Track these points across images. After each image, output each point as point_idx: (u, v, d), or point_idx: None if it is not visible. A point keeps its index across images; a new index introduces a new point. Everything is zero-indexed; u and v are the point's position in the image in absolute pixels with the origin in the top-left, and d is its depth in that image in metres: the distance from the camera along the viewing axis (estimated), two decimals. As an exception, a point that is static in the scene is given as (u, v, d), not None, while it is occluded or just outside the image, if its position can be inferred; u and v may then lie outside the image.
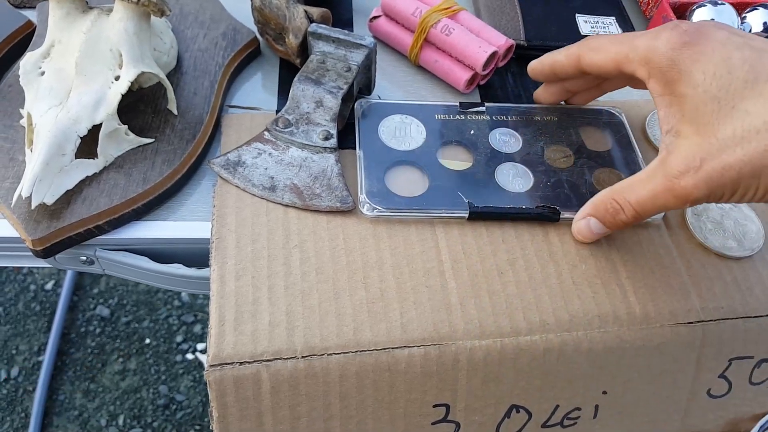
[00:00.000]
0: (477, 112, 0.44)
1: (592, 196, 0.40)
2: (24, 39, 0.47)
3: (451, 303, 0.38)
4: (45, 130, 0.37)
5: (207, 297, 0.39)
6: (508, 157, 0.43)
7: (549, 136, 0.45)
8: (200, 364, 1.21)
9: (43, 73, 0.39)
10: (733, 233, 0.43)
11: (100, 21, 0.40)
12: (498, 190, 0.41)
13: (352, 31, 0.54)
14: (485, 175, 0.42)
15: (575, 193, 0.41)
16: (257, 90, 0.48)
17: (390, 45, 0.52)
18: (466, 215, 0.39)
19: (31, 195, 0.35)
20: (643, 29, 0.57)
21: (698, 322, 0.39)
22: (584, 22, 0.54)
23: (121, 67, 0.39)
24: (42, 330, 1.21)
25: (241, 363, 0.33)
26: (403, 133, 0.43)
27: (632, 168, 0.43)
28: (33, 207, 0.35)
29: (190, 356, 1.21)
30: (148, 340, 1.21)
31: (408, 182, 0.41)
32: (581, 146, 0.44)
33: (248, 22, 0.50)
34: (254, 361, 0.34)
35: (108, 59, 0.39)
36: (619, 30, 0.54)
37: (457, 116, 0.44)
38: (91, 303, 1.25)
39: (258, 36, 0.49)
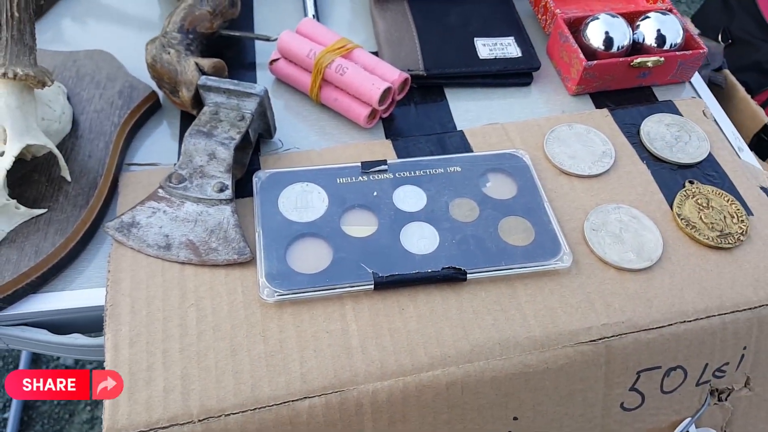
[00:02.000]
0: (380, 171, 0.45)
1: (498, 249, 0.41)
2: None
3: (352, 346, 0.38)
4: (-75, 214, 0.36)
5: None
6: (413, 217, 0.43)
7: (453, 189, 0.45)
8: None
9: (-77, 156, 0.39)
10: (631, 245, 0.43)
11: (-22, 97, 0.40)
12: (404, 255, 0.41)
13: (254, 74, 0.54)
14: (390, 240, 0.42)
15: (481, 248, 0.42)
16: (158, 144, 0.48)
17: (292, 85, 0.52)
18: (372, 286, 0.39)
19: None
20: (543, 46, 0.58)
21: (600, 339, 0.40)
22: (483, 46, 0.55)
23: (5, 142, 0.39)
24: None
25: (134, 434, 0.33)
26: (304, 202, 0.43)
27: (537, 214, 0.44)
28: None
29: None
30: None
31: (311, 256, 0.40)
32: (485, 196, 0.45)
33: (147, 77, 0.50)
34: (149, 430, 0.34)
35: (-13, 136, 0.39)
36: (518, 50, 0.55)
37: (360, 178, 0.45)
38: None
39: (157, 90, 0.50)
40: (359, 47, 0.50)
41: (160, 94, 0.50)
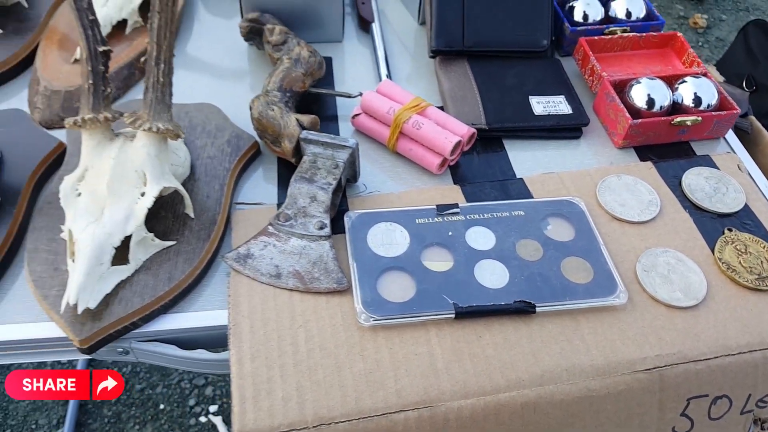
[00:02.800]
0: (453, 213, 0.52)
1: (562, 286, 0.47)
2: (57, 158, 0.54)
3: (438, 368, 0.44)
4: (85, 244, 0.44)
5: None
6: (485, 255, 0.49)
7: (518, 230, 0.51)
8: (213, 427, 1.24)
9: (79, 194, 0.46)
10: (679, 285, 0.49)
11: (125, 147, 0.47)
12: (479, 288, 0.47)
13: (337, 125, 0.62)
14: (466, 274, 0.48)
15: (547, 284, 0.48)
16: (260, 186, 0.56)
17: (370, 137, 0.60)
18: (453, 315, 0.45)
19: (77, 302, 0.42)
20: (589, 103, 0.65)
21: (654, 368, 0.45)
22: (537, 103, 0.62)
23: (145, 184, 0.47)
24: (60, 403, 1.24)
25: (262, 436, 0.39)
26: (389, 240, 0.50)
27: (595, 255, 0.50)
28: (79, 312, 0.42)
29: (203, 419, 1.24)
30: (162, 406, 1.24)
31: (398, 287, 0.47)
32: (547, 238, 0.51)
33: (248, 127, 0.58)
34: (272, 433, 0.40)
35: (134, 179, 0.46)
36: (569, 107, 0.62)
37: (436, 219, 0.51)
38: (180, 368, 1.29)
39: (258, 139, 0.57)
40: (431, 105, 0.58)
41: (260, 143, 0.58)
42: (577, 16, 0.69)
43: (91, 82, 0.46)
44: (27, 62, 0.64)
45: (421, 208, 0.52)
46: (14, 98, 0.63)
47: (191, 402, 1.25)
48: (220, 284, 0.48)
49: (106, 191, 0.46)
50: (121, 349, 0.45)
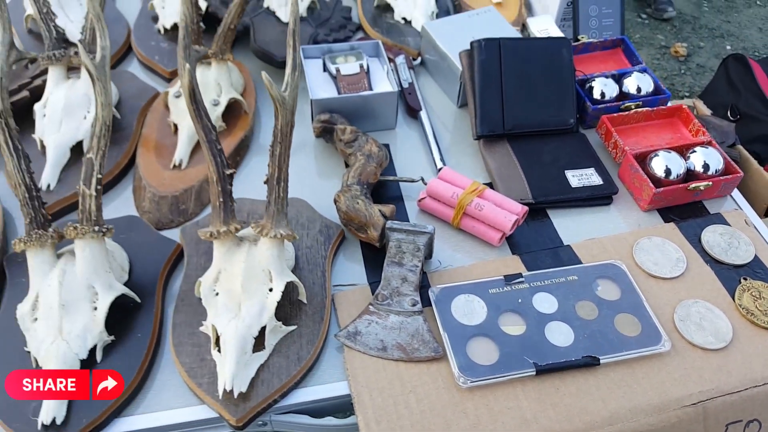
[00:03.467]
0: (519, 282, 0.62)
1: (618, 340, 0.57)
2: (177, 258, 0.64)
3: (527, 418, 0.53)
4: (230, 337, 0.53)
5: None
6: (551, 317, 0.60)
7: (575, 293, 0.62)
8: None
9: (217, 294, 0.56)
10: (710, 331, 0.60)
11: (252, 251, 0.57)
12: (551, 348, 0.57)
13: (403, 205, 0.72)
14: (539, 336, 0.58)
15: (606, 340, 0.58)
16: (348, 267, 0.66)
17: (435, 216, 0.70)
18: (534, 373, 0.55)
19: (232, 388, 0.51)
20: (613, 170, 0.76)
21: (698, 402, 0.55)
22: (572, 176, 0.73)
23: (271, 281, 0.56)
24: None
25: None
26: (469, 310, 0.60)
27: (640, 311, 0.60)
28: (235, 396, 0.51)
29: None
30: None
31: (484, 351, 0.57)
32: (600, 299, 0.61)
33: (330, 215, 0.68)
34: (405, 484, 0.49)
35: (262, 278, 0.56)
36: (600, 179, 0.73)
37: (505, 288, 0.62)
38: None
39: (343, 227, 0.67)
40: (487, 188, 0.68)
41: (345, 230, 0.68)
42: (596, 94, 0.81)
43: (221, 200, 0.56)
44: (126, 169, 0.74)
45: (491, 279, 0.63)
46: (118, 200, 0.72)
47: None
48: (334, 359, 0.58)
49: (241, 290, 0.55)
50: (261, 422, 0.55)
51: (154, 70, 0.85)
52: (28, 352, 0.54)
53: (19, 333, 0.55)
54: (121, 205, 0.71)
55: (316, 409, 0.56)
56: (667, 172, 0.70)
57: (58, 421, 0.50)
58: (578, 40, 0.89)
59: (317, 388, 0.56)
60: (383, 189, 0.74)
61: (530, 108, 0.76)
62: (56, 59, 0.71)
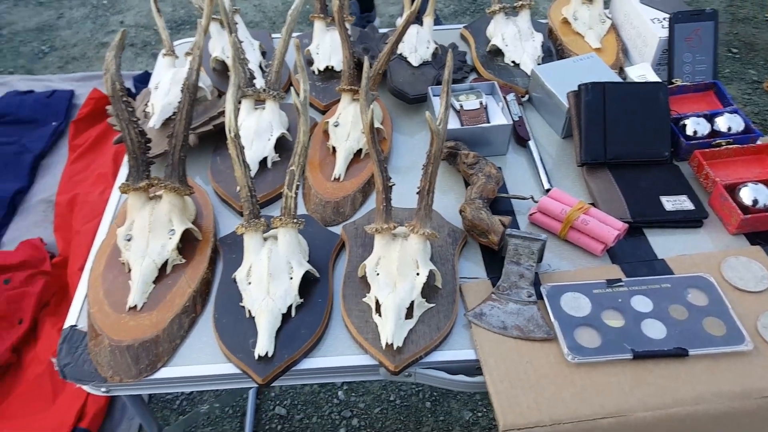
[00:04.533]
0: (619, 286, 0.75)
1: (706, 337, 0.68)
2: (339, 248, 0.82)
3: (626, 391, 0.66)
4: (389, 306, 0.70)
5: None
6: (646, 315, 0.72)
7: (668, 298, 0.73)
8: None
9: (378, 274, 0.73)
10: (789, 334, 0.69)
11: (404, 244, 0.74)
12: (647, 339, 0.69)
13: (515, 218, 0.87)
14: (635, 329, 0.70)
15: (694, 336, 0.69)
16: (471, 265, 0.81)
17: (543, 228, 0.84)
18: (631, 357, 0.68)
19: (393, 342, 0.67)
20: (705, 199, 0.87)
21: (778, 393, 0.65)
22: (666, 201, 0.85)
23: (418, 267, 0.73)
24: (236, 429, 1.51)
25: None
26: (576, 305, 0.73)
27: (726, 316, 0.71)
28: (395, 348, 0.68)
29: (352, 446, 1.47)
30: (317, 433, 1.48)
31: (589, 337, 0.70)
32: (690, 303, 0.73)
33: (455, 223, 0.84)
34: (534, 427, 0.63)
35: (412, 264, 0.73)
36: (692, 204, 0.84)
37: (607, 289, 0.75)
38: (270, 404, 1.55)
39: (467, 233, 0.83)
40: (591, 206, 0.82)
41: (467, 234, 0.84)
42: (689, 131, 0.92)
43: (384, 205, 0.74)
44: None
45: (595, 282, 0.76)
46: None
47: (342, 431, 1.48)
48: (463, 332, 0.73)
49: (396, 272, 0.72)
50: (407, 374, 0.70)
51: (311, 104, 1.06)
52: (242, 306, 0.74)
53: (234, 293, 0.75)
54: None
55: (449, 369, 0.71)
56: (755, 201, 0.81)
57: (269, 355, 0.69)
58: (672, 83, 1.01)
59: (449, 352, 0.71)
60: (498, 204, 0.89)
61: (629, 141, 0.89)
62: (249, 94, 0.93)
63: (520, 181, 0.93)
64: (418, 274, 0.73)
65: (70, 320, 0.77)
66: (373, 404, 1.48)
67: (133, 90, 2.18)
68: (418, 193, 0.74)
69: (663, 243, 0.82)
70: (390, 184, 0.75)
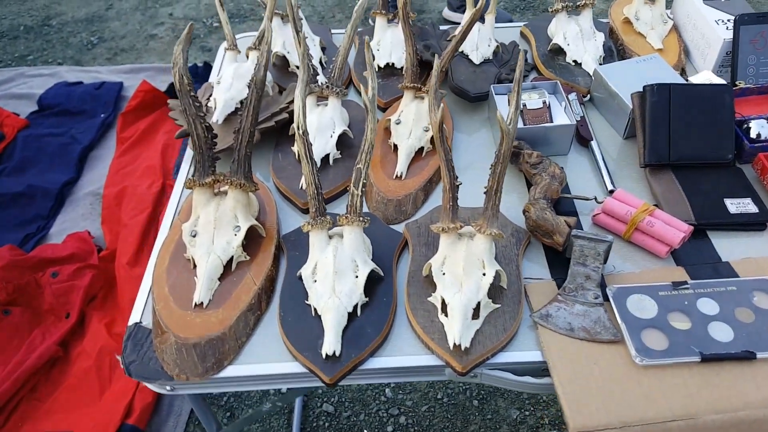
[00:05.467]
0: (685, 288, 0.74)
1: None
2: (402, 248, 0.84)
3: (692, 393, 0.66)
4: (456, 306, 0.71)
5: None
6: (713, 318, 0.72)
7: (734, 301, 0.73)
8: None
9: (444, 274, 0.74)
10: None
11: (470, 244, 0.75)
12: (713, 342, 0.69)
13: (578, 218, 0.87)
14: (702, 332, 0.70)
15: (761, 339, 0.69)
16: (534, 266, 0.82)
17: (607, 229, 0.84)
18: (699, 359, 0.68)
19: (460, 343, 0.69)
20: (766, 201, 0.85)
21: None
22: (731, 204, 0.84)
23: (484, 267, 0.74)
24: (283, 426, 1.53)
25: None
26: (641, 306, 0.73)
27: None
28: (462, 349, 0.69)
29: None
30: (366, 431, 1.50)
31: (655, 339, 0.70)
32: (756, 306, 0.72)
33: (518, 223, 0.84)
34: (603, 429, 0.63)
35: (478, 265, 0.74)
36: (756, 207, 0.83)
37: (673, 292, 0.74)
38: (317, 402, 1.57)
39: (530, 233, 0.83)
40: (656, 208, 0.81)
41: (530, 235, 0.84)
42: (753, 134, 0.91)
43: (450, 204, 0.75)
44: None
45: (660, 284, 0.76)
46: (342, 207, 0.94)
47: (389, 429, 1.50)
48: (528, 333, 0.74)
49: (462, 272, 0.73)
50: (473, 374, 0.72)
51: (370, 101, 1.08)
52: (308, 305, 0.76)
53: (298, 291, 0.77)
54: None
55: (514, 370, 0.72)
56: (826, 206, 0.79)
57: (337, 354, 0.70)
58: (736, 85, 0.99)
59: (516, 353, 0.72)
60: (561, 204, 0.89)
61: (693, 143, 0.88)
62: (313, 91, 0.95)
63: (582, 182, 0.93)
64: (484, 274, 0.74)
65: (135, 317, 0.79)
66: (420, 402, 1.50)
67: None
68: (485, 192, 0.75)
69: (727, 245, 0.82)
70: (457, 184, 0.76)
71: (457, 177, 0.76)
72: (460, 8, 2.55)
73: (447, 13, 2.63)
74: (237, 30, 2.42)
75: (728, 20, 1.03)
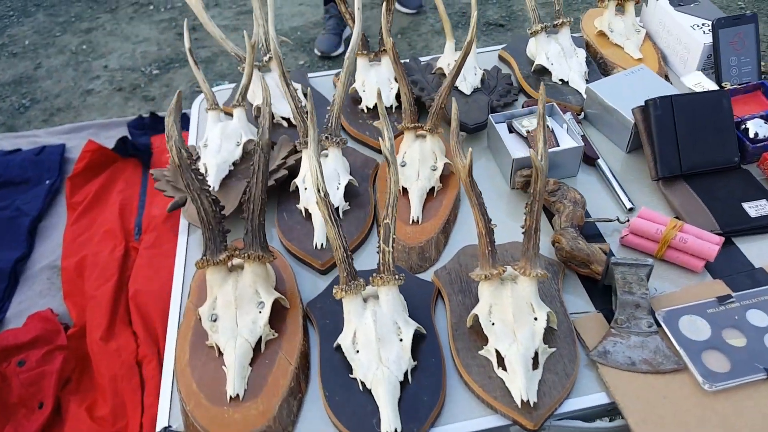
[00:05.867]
0: (730, 302, 0.73)
1: None
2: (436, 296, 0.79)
3: (765, 413, 0.64)
4: (515, 358, 0.66)
5: None
6: (766, 330, 0.70)
7: None
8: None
9: (493, 324, 0.70)
10: None
11: (515, 287, 0.71)
12: None
13: (604, 241, 0.85)
14: (760, 347, 0.69)
15: None
16: (573, 298, 0.79)
17: (637, 249, 0.83)
18: (765, 376, 0.66)
19: (528, 398, 0.64)
20: (783, 201, 0.87)
21: None
22: (749, 207, 0.84)
23: (534, 311, 0.70)
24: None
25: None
26: (694, 328, 0.71)
27: None
28: (531, 405, 0.64)
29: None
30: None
31: (716, 361, 0.68)
32: None
33: (546, 254, 0.81)
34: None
35: (527, 309, 0.70)
36: (775, 208, 0.84)
37: (720, 307, 0.73)
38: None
39: (563, 264, 0.81)
40: (685, 223, 0.80)
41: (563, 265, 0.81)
42: (751, 134, 0.92)
43: (489, 249, 0.71)
44: (372, 228, 0.90)
45: (706, 301, 0.74)
46: (364, 254, 0.88)
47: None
48: (588, 373, 0.70)
49: (513, 319, 0.69)
50: (542, 429, 0.67)
51: (365, 143, 1.03)
52: (353, 378, 0.69)
53: (339, 363, 0.71)
54: (368, 258, 0.87)
55: (582, 416, 0.68)
56: (840, 199, 0.81)
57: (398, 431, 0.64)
58: (722, 87, 1.01)
59: (582, 398, 0.68)
60: (582, 228, 0.87)
61: (701, 150, 0.89)
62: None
63: (596, 202, 0.91)
64: (536, 318, 0.70)
65: (162, 420, 0.70)
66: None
67: (129, 137, 2.09)
68: (523, 233, 0.71)
69: (755, 250, 0.82)
70: (492, 226, 0.72)
71: (490, 219, 0.72)
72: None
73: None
74: (179, 73, 2.31)
75: (703, 24, 1.06)
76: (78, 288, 1.76)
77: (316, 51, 2.37)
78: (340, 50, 2.36)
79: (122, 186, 2.02)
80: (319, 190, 0.70)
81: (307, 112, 0.90)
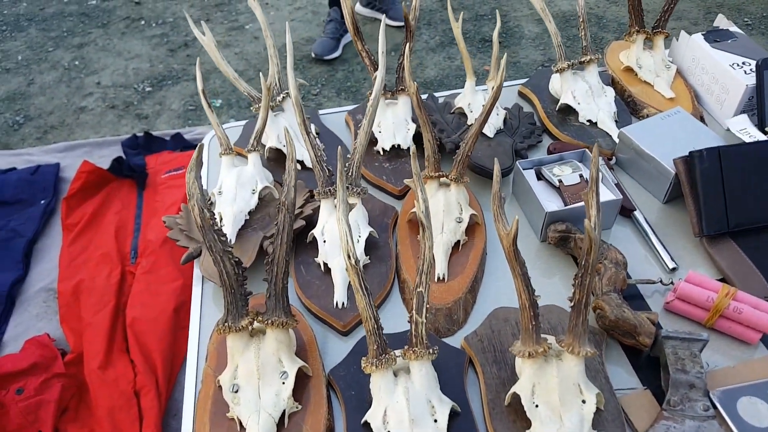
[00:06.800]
0: None
1: None
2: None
3: None
4: (562, 448, 0.60)
5: None
6: None
7: None
8: None
9: (537, 406, 0.63)
10: None
11: (560, 367, 0.65)
12: None
13: (645, 303, 0.79)
14: None
15: None
16: (619, 369, 0.72)
17: (682, 315, 0.77)
18: None
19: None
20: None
21: None
22: (802, 266, 0.79)
23: (581, 393, 0.63)
24: None
25: None
26: (756, 411, 0.65)
27: None
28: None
29: None
30: None
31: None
32: None
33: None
34: None
35: (575, 391, 0.63)
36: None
37: None
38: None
39: (605, 333, 0.74)
40: (738, 290, 0.74)
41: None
42: (800, 185, 0.87)
43: (533, 323, 0.65)
44: (393, 284, 0.84)
45: (766, 380, 0.68)
46: (385, 313, 0.82)
47: None
48: (639, 461, 0.64)
49: (559, 402, 0.63)
50: None
51: (383, 188, 0.97)
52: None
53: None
54: (391, 318, 0.80)
55: None
56: None
57: None
58: (766, 132, 0.96)
59: (636, 491, 0.62)
60: (623, 292, 0.81)
61: (750, 205, 0.83)
62: (330, 194, 0.82)
63: (634, 258, 0.85)
64: (584, 401, 0.63)
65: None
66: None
67: (123, 156, 2.02)
68: (571, 306, 0.65)
69: (808, 317, 0.76)
70: (536, 298, 0.66)
71: (534, 290, 0.66)
72: (370, 5, 2.64)
73: (359, 8, 2.68)
74: (171, 91, 2.23)
75: (743, 63, 1.00)
76: (74, 313, 1.69)
77: (312, 53, 2.37)
78: (336, 54, 2.38)
79: (118, 207, 1.95)
80: (349, 257, 0.63)
81: (325, 159, 0.84)
